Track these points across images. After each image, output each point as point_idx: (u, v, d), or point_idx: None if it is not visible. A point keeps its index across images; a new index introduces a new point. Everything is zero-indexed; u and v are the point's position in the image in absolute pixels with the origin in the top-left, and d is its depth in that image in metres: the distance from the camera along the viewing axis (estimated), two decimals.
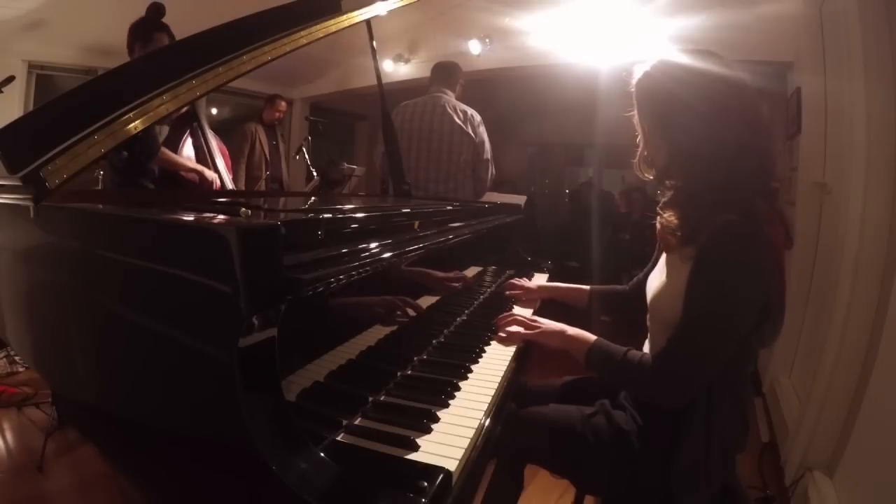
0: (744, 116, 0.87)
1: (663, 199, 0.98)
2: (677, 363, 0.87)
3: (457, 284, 1.28)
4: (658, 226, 0.98)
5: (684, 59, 0.92)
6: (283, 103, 4.00)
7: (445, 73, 2.47)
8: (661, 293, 0.97)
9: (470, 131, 2.35)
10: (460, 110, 2.36)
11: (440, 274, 1.19)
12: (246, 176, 3.75)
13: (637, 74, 0.96)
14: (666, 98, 0.91)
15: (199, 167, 2.43)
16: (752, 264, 0.82)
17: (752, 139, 0.87)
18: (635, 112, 0.99)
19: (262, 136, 3.84)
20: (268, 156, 3.86)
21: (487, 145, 2.42)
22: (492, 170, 2.49)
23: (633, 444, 0.94)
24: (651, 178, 1.01)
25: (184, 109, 1.08)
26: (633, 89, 0.97)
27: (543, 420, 1.02)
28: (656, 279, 1.02)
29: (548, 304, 1.45)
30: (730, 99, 0.88)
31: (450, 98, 2.40)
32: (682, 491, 0.87)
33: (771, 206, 0.87)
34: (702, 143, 0.87)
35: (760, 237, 0.82)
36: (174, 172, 2.35)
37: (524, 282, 1.51)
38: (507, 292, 1.46)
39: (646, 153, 0.99)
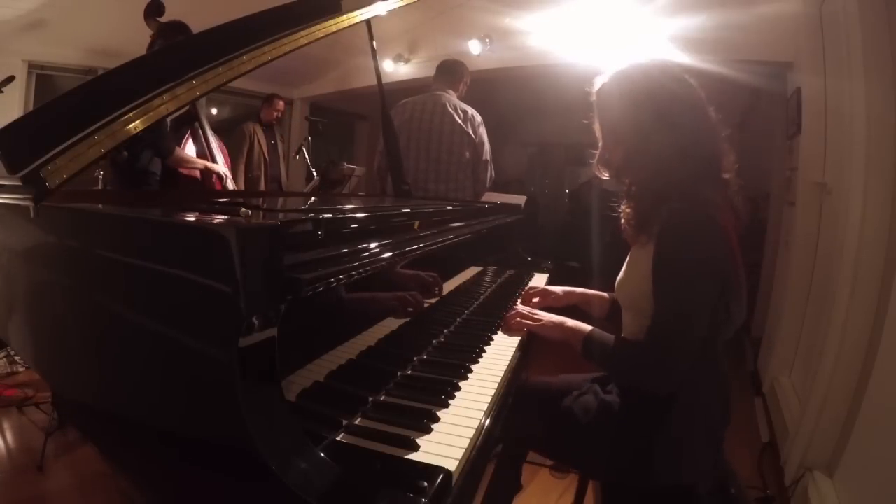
0: (690, 118, 0.98)
1: (624, 195, 1.09)
2: (662, 345, 0.92)
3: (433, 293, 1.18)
4: (622, 220, 1.09)
5: (636, 70, 1.04)
6: (281, 102, 3.95)
7: (448, 72, 2.45)
8: (625, 277, 1.08)
9: (470, 131, 2.33)
10: (461, 109, 2.34)
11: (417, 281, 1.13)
12: (244, 176, 3.72)
13: (596, 85, 1.09)
14: (616, 105, 1.04)
15: (211, 164, 2.45)
16: (702, 241, 0.91)
17: (697, 138, 0.97)
18: (595, 118, 1.10)
19: (260, 135, 3.82)
20: (266, 155, 3.83)
21: (487, 146, 2.41)
22: (491, 171, 2.47)
23: (618, 418, 0.99)
24: (607, 177, 1.12)
25: (183, 109, 1.09)
26: (593, 98, 1.09)
27: (536, 405, 1.10)
28: (622, 271, 1.11)
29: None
30: (676, 104, 0.98)
31: (451, 97, 2.37)
32: (665, 468, 0.92)
33: (720, 195, 0.97)
34: (651, 143, 0.98)
35: (704, 217, 0.91)
36: (175, 171, 2.36)
37: (550, 287, 1.40)
38: (533, 300, 1.37)
39: (606, 155, 1.10)
